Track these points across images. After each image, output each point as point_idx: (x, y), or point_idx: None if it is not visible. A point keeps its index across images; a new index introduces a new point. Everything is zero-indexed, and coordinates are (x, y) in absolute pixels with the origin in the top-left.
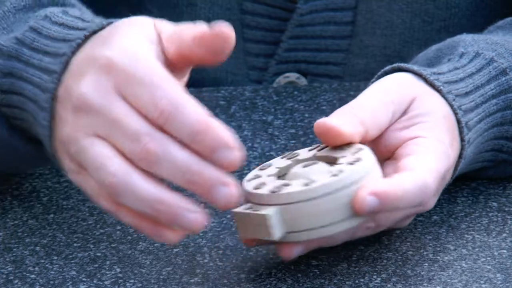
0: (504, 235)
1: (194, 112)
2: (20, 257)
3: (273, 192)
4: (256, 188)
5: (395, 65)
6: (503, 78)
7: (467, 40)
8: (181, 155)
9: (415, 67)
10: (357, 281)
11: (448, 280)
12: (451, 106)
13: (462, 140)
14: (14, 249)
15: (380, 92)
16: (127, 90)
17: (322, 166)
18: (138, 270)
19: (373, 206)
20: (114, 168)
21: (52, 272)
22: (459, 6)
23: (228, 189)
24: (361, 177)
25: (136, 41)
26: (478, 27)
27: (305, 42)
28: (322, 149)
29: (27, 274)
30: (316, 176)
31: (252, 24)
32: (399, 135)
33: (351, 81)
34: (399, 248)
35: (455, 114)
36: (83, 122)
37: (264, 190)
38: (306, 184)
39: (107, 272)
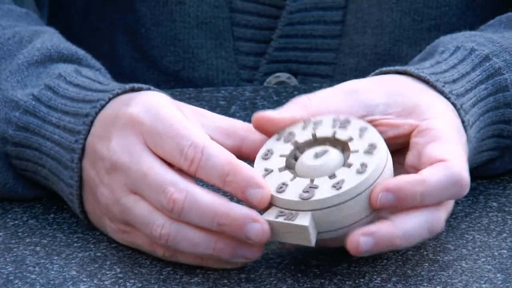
0: (504, 235)
1: (221, 155)
2: (20, 257)
3: (303, 198)
4: (280, 190)
5: (377, 71)
6: (487, 64)
7: (446, 40)
8: (206, 199)
9: (398, 67)
10: (357, 281)
11: (448, 280)
12: (442, 92)
13: (462, 121)
14: (15, 249)
15: (342, 85)
16: (155, 143)
17: (335, 154)
18: (138, 270)
19: (388, 203)
20: (162, 220)
21: (53, 272)
22: (450, 5)
23: (259, 225)
24: (383, 169)
25: (157, 98)
26: (469, 26)
27: (295, 41)
28: (316, 125)
29: (28, 274)
30: (340, 173)
31: (242, 22)
32: (403, 123)
33: (342, 80)
34: None
35: (448, 98)
36: (118, 181)
37: (291, 195)
38: (336, 186)
39: (108, 272)
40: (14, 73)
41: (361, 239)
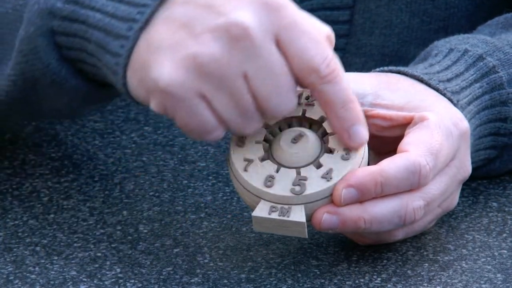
0: (504, 235)
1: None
2: (20, 257)
3: (296, 193)
4: (268, 184)
5: (371, 71)
6: (481, 63)
7: (439, 43)
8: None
9: (391, 67)
10: (357, 281)
11: (448, 280)
12: (437, 89)
13: None
14: (15, 249)
15: None
16: (293, 36)
17: (313, 138)
18: (138, 270)
19: (352, 199)
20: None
21: (53, 272)
22: (458, 6)
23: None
24: (364, 150)
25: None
26: (477, 27)
27: None
28: None
29: (28, 274)
30: (325, 161)
31: None
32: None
33: None
34: (399, 248)
35: (444, 94)
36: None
37: (282, 189)
38: (326, 177)
39: (108, 272)
40: None
41: (324, 216)
